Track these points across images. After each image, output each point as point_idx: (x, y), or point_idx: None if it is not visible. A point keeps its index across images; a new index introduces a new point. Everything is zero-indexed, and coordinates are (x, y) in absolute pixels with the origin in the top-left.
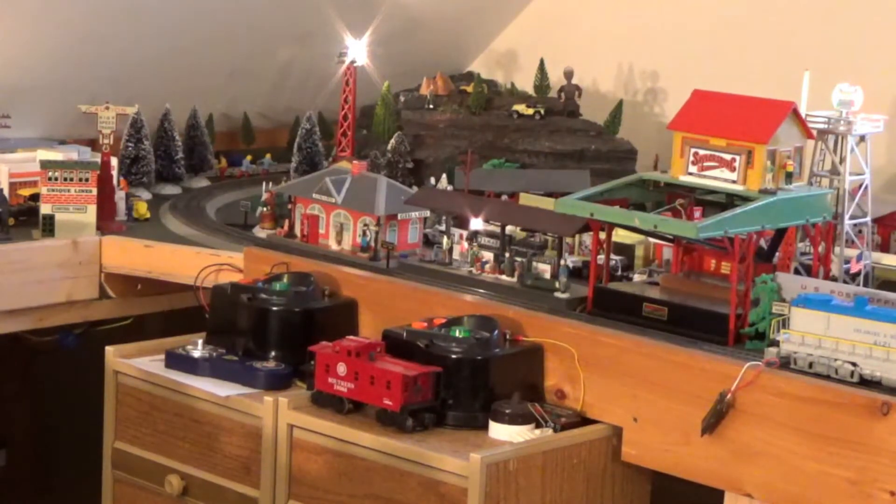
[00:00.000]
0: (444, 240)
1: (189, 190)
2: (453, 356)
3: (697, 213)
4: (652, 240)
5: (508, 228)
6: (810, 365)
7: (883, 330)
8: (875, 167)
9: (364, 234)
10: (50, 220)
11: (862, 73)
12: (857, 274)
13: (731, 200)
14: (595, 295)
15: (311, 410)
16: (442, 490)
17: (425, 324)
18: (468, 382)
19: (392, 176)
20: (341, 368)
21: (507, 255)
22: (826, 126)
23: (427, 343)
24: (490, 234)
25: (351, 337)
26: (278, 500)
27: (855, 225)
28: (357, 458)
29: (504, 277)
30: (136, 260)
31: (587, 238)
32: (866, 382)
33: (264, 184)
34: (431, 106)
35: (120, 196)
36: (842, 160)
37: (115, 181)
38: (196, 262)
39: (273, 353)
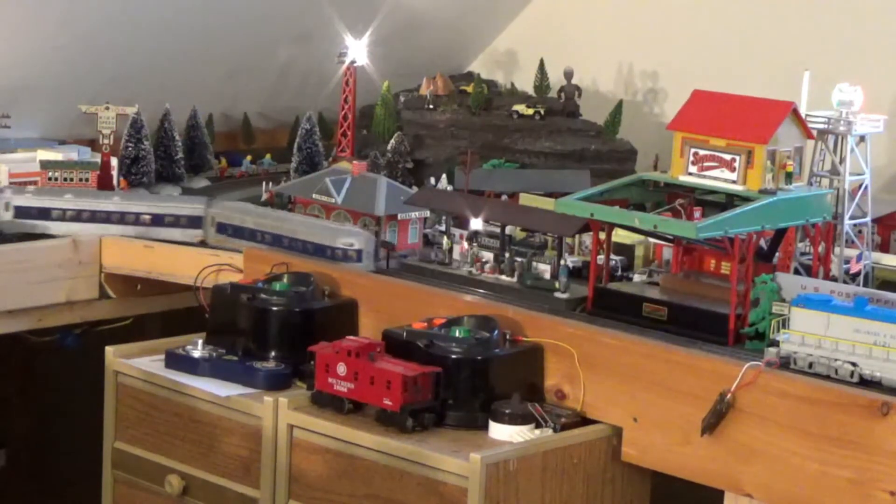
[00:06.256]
0: (444, 240)
1: (189, 190)
2: (453, 356)
3: (697, 213)
4: (652, 240)
5: (508, 228)
6: (810, 365)
7: (883, 330)
8: (875, 167)
9: None
10: None
11: (862, 73)
12: (857, 274)
13: (730, 200)
14: (595, 295)
15: (311, 410)
16: (442, 490)
17: (425, 324)
18: (468, 382)
19: (392, 176)
20: (341, 368)
21: (507, 255)
22: (826, 126)
23: (427, 343)
24: (490, 234)
25: (351, 337)
26: (278, 500)
27: (855, 225)
28: (357, 458)
29: (504, 277)
30: (136, 260)
31: (587, 238)
32: (866, 383)
33: (264, 184)
34: (431, 106)
35: None
36: (842, 160)
37: (114, 181)
38: (196, 262)
39: (273, 353)
